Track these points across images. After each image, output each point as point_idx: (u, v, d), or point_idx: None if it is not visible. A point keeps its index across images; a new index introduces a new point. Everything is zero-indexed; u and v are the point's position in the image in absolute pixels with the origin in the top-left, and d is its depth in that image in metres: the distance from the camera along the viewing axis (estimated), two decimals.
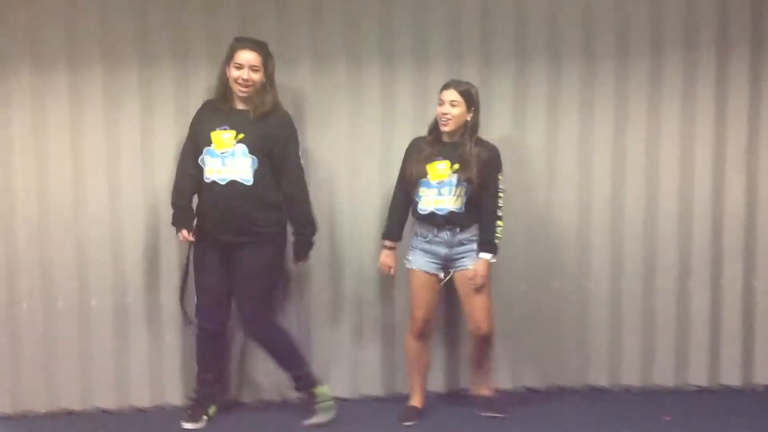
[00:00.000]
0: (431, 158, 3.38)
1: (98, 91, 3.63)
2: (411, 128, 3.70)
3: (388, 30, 3.74)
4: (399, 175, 3.53)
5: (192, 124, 3.43)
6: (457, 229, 3.38)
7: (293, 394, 3.65)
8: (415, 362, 3.55)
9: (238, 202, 3.28)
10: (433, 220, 3.39)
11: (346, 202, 3.80)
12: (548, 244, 3.87)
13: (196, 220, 3.41)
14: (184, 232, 3.38)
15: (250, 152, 3.28)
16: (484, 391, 3.60)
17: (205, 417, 3.50)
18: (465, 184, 3.34)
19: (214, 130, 3.29)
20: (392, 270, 3.54)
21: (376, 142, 3.78)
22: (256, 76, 3.29)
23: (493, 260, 3.40)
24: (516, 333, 3.86)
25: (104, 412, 3.70)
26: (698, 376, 3.92)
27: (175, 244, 3.65)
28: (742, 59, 3.84)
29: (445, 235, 3.38)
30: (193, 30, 3.64)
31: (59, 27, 3.59)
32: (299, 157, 3.44)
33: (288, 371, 3.53)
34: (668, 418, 3.55)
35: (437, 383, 3.84)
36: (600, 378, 3.92)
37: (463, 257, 3.41)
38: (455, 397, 3.84)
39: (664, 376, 3.92)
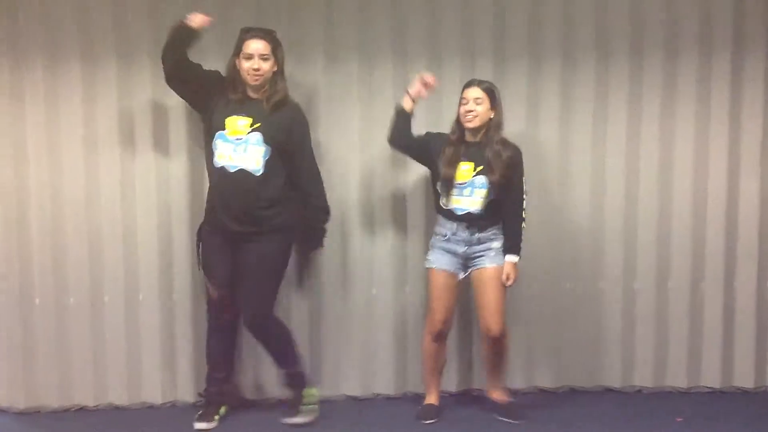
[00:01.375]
0: (457, 160, 3.36)
1: (112, 86, 3.63)
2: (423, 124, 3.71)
3: (401, 28, 3.75)
4: (421, 135, 3.48)
5: (217, 77, 3.34)
6: (476, 229, 3.37)
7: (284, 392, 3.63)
8: (432, 362, 3.54)
9: (245, 191, 3.26)
10: (452, 216, 3.39)
11: (358, 198, 3.80)
12: (562, 244, 3.86)
13: (207, 208, 3.40)
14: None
15: (264, 141, 3.27)
16: (499, 397, 3.60)
17: (216, 417, 3.49)
18: (488, 186, 3.34)
19: (230, 115, 3.27)
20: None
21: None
22: (267, 65, 3.27)
23: (517, 261, 3.42)
24: (529, 333, 3.86)
25: (117, 408, 3.72)
26: (711, 378, 3.91)
27: (188, 241, 3.67)
28: (757, 59, 3.82)
29: (464, 233, 3.37)
30: (207, 27, 3.62)
31: (72, 22, 3.59)
32: (311, 147, 3.45)
33: (283, 367, 3.51)
34: (680, 420, 3.54)
35: (450, 383, 3.84)
36: (613, 379, 3.92)
37: (481, 255, 3.40)
38: (467, 396, 3.84)
39: (677, 378, 3.91)
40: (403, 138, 3.41)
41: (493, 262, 3.40)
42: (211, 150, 3.29)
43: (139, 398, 3.74)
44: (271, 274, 3.40)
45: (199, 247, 3.46)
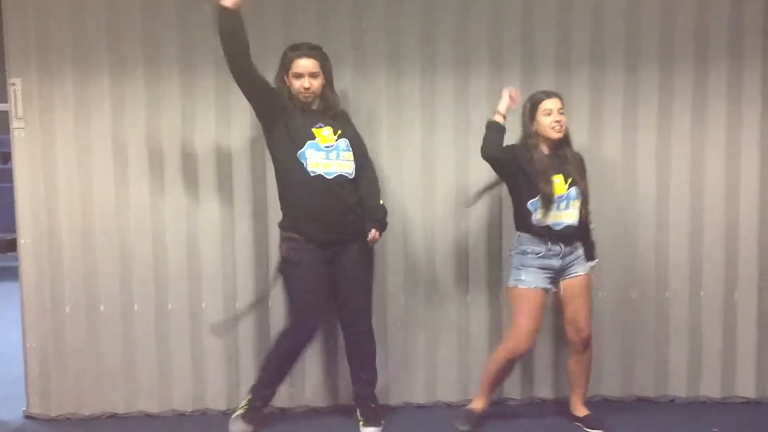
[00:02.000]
0: (551, 174, 3.30)
1: (140, 94, 3.63)
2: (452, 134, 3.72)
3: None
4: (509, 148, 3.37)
5: (275, 91, 3.29)
6: (571, 240, 3.36)
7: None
8: (503, 379, 3.53)
9: (344, 195, 3.29)
10: (547, 232, 3.32)
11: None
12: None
13: (295, 221, 3.32)
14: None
15: (351, 146, 3.33)
16: (581, 411, 3.55)
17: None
18: (581, 196, 3.34)
19: (314, 126, 3.28)
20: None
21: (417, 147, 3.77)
22: (317, 82, 3.26)
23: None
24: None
25: (148, 416, 3.74)
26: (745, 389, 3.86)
27: (218, 249, 3.68)
28: None
29: (559, 247, 3.35)
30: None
31: (101, 31, 3.60)
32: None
33: (375, 372, 3.56)
34: (716, 430, 3.50)
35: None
36: (647, 389, 3.88)
37: (573, 264, 3.40)
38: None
39: (711, 388, 3.86)
40: (497, 150, 3.32)
41: (584, 268, 3.41)
42: (299, 160, 3.25)
43: (170, 406, 3.75)
44: (371, 279, 3.51)
45: (286, 268, 3.40)
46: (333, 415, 3.70)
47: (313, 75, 3.24)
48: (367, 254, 3.45)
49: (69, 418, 3.69)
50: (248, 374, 3.71)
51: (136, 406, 3.73)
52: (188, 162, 3.68)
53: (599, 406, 3.76)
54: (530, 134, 3.34)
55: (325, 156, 3.26)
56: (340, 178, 3.27)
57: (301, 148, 3.24)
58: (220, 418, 3.64)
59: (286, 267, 3.38)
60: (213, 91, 3.65)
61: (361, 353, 3.53)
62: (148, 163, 3.66)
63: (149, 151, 3.65)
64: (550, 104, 3.30)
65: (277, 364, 3.45)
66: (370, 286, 3.51)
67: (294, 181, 3.28)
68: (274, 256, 3.66)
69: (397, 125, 3.74)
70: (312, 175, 3.23)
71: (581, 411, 3.54)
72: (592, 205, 3.51)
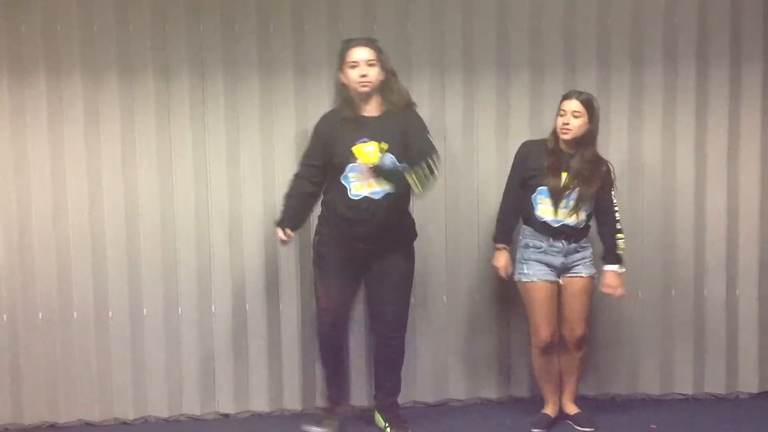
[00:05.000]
0: (560, 171, 3.33)
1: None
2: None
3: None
4: (510, 179, 3.49)
5: (318, 135, 3.31)
6: (573, 239, 3.38)
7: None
8: (546, 374, 3.51)
9: (392, 213, 3.24)
10: (547, 229, 3.36)
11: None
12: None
13: (329, 235, 3.33)
14: (281, 231, 3.33)
15: (399, 161, 3.15)
16: (570, 409, 3.57)
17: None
18: (580, 198, 3.34)
19: (355, 144, 3.14)
20: (509, 269, 3.50)
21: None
22: (374, 72, 3.18)
23: (621, 270, 3.43)
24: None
25: (124, 423, 3.70)
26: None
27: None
28: None
29: (561, 244, 3.37)
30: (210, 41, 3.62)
31: (75, 35, 3.54)
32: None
33: (399, 381, 3.52)
34: None
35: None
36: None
37: (577, 264, 3.41)
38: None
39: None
40: (515, 225, 3.51)
41: (589, 270, 3.42)
42: (342, 184, 3.19)
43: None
44: (408, 292, 3.44)
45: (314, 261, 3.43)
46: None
47: (369, 63, 3.17)
48: (406, 266, 3.38)
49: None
50: (226, 378, 3.72)
51: (112, 413, 3.69)
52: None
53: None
54: (554, 129, 3.39)
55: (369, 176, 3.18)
56: (390, 197, 3.20)
57: (343, 173, 3.19)
58: (193, 423, 3.67)
59: (314, 259, 3.41)
60: (188, 93, 3.63)
61: (388, 363, 3.48)
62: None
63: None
64: (566, 105, 3.31)
65: (322, 359, 3.48)
66: (407, 298, 3.43)
67: (337, 203, 3.24)
68: (250, 259, 3.70)
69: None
70: (356, 198, 3.19)
71: (572, 409, 3.57)
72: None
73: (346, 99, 3.23)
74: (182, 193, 3.66)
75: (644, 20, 3.78)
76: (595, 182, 3.35)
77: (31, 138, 3.57)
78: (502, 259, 3.50)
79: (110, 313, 3.66)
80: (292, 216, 3.35)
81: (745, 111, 3.83)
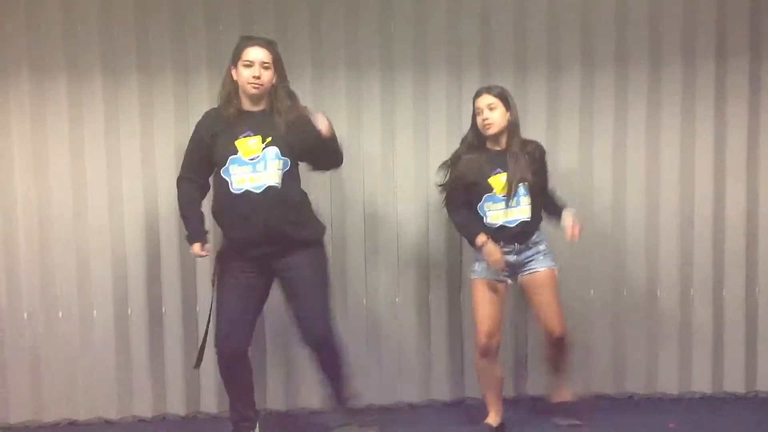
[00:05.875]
0: (491, 171, 3.29)
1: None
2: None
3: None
4: (450, 192, 3.36)
5: (199, 134, 3.16)
6: (525, 236, 3.32)
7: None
8: (485, 379, 3.41)
9: (276, 208, 3.06)
10: (501, 233, 3.29)
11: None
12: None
13: (223, 236, 3.17)
14: (196, 246, 3.15)
15: (282, 154, 3.07)
16: (564, 397, 3.53)
17: None
18: (527, 190, 3.29)
19: (238, 138, 3.06)
20: (502, 261, 3.29)
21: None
22: (267, 75, 3.07)
23: (573, 210, 3.36)
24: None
25: (107, 422, 3.73)
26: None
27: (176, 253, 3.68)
28: None
29: (514, 245, 3.33)
30: (193, 39, 3.65)
31: (59, 36, 3.58)
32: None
33: (346, 389, 3.33)
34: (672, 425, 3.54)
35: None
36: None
37: (531, 260, 3.35)
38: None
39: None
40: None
41: (544, 264, 3.34)
42: (223, 178, 3.07)
43: (130, 412, 3.75)
44: (324, 287, 3.21)
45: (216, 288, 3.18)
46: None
47: (264, 65, 3.06)
48: (313, 260, 3.18)
49: (28, 426, 3.67)
50: (210, 379, 3.71)
51: (96, 412, 3.72)
52: (147, 166, 3.68)
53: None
54: (473, 132, 3.35)
55: (252, 169, 3.05)
56: (270, 190, 3.05)
57: (223, 166, 3.07)
58: (180, 423, 3.64)
59: (215, 274, 3.19)
60: (172, 96, 3.66)
61: (320, 364, 3.27)
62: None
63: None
64: (480, 101, 3.28)
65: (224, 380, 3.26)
66: (321, 302, 3.18)
67: (221, 200, 3.11)
68: None
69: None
70: (237, 192, 3.04)
71: (556, 398, 3.55)
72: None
73: (231, 95, 3.11)
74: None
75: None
76: (532, 166, 3.29)
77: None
78: (494, 252, 3.25)
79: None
80: (198, 228, 3.18)
81: (764, 109, 3.84)
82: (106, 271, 3.67)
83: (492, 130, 3.27)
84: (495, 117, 3.26)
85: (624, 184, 3.86)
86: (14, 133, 3.61)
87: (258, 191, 3.04)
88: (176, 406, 3.74)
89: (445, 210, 3.43)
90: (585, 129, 3.83)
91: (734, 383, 3.91)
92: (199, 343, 3.23)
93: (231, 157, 3.06)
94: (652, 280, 3.88)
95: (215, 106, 3.21)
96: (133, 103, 3.64)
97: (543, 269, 3.35)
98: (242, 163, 3.06)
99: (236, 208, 3.06)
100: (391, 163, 3.80)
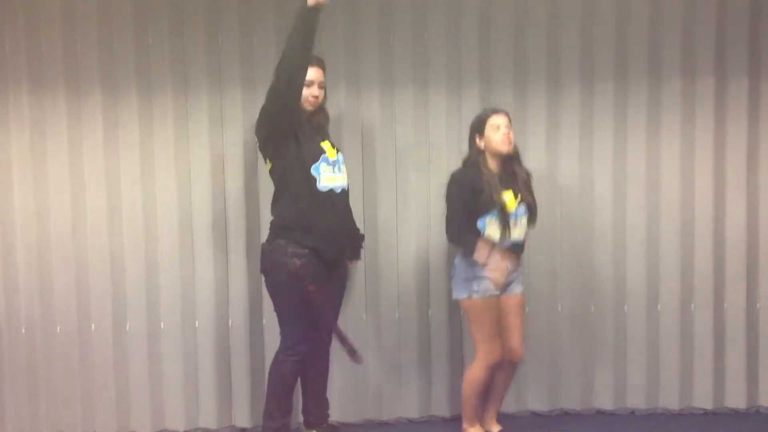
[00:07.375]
0: (504, 189, 3.28)
1: (98, 114, 3.61)
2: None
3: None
4: (453, 208, 3.30)
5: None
6: (517, 256, 3.35)
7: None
8: (482, 392, 3.43)
9: (347, 211, 3.33)
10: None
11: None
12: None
13: (306, 237, 3.14)
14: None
15: (344, 162, 3.32)
16: (496, 427, 3.54)
17: None
18: (528, 212, 3.33)
19: (322, 140, 3.25)
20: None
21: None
22: (322, 93, 3.25)
23: None
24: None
25: None
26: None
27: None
28: None
29: (507, 264, 3.32)
30: (192, 54, 3.64)
31: (58, 50, 3.58)
32: None
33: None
34: None
35: (443, 408, 3.85)
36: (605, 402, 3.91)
37: (513, 281, 3.37)
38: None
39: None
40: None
41: (520, 288, 3.41)
42: (312, 176, 3.14)
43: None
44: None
45: (294, 285, 3.14)
46: None
47: (321, 85, 3.23)
48: (346, 276, 3.46)
49: None
50: (208, 394, 3.70)
51: (94, 427, 3.70)
52: (147, 181, 3.67)
53: (560, 419, 3.78)
54: (478, 151, 3.33)
55: (332, 170, 3.21)
56: (344, 194, 3.27)
57: (315, 164, 3.16)
58: None
59: (294, 283, 3.13)
60: (171, 109, 3.65)
61: (320, 375, 3.45)
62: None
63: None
64: (498, 119, 3.30)
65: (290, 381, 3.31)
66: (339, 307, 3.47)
67: (306, 197, 3.14)
68: (235, 276, 3.68)
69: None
70: (324, 190, 3.16)
71: (495, 426, 3.54)
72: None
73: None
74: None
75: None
76: (530, 191, 3.34)
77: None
78: (485, 251, 3.25)
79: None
80: None
81: (764, 119, 3.84)
82: (104, 285, 3.65)
83: (510, 147, 3.30)
84: (511, 136, 3.30)
85: (624, 197, 3.85)
86: (14, 147, 3.60)
87: (338, 192, 3.23)
88: (175, 422, 3.72)
89: (446, 226, 3.34)
90: (585, 143, 3.82)
91: (736, 399, 3.89)
92: (340, 347, 3.29)
93: (322, 156, 3.19)
94: (653, 294, 3.86)
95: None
96: (132, 116, 3.63)
97: (520, 292, 3.39)
98: (329, 163, 3.21)
99: (323, 206, 3.16)
100: (392, 178, 3.79)
